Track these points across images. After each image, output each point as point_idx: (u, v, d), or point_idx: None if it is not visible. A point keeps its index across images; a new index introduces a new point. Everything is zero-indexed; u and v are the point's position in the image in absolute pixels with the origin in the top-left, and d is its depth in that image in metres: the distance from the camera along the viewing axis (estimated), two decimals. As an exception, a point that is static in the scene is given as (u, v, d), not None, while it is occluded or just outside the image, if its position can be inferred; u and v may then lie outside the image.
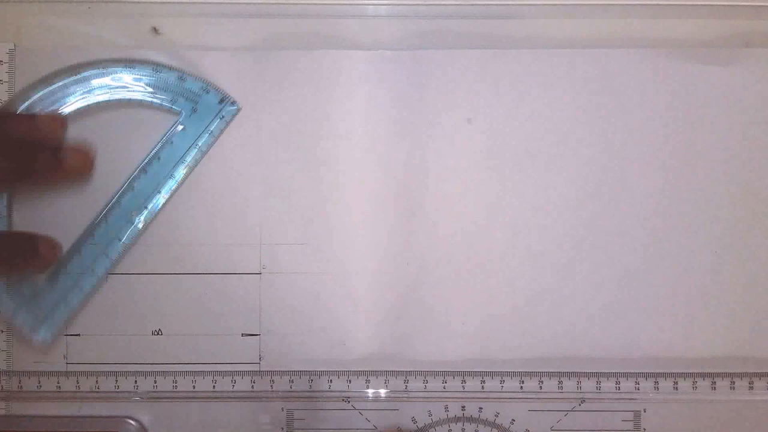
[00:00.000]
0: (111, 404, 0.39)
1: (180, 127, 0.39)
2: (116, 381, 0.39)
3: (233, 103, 0.39)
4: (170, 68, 0.39)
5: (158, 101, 0.39)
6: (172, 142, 0.39)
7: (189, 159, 0.39)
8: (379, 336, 0.39)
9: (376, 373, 0.39)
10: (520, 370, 0.39)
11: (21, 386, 0.39)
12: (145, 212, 0.39)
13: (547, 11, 0.40)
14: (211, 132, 0.39)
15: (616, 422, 0.40)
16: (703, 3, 0.40)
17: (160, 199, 0.39)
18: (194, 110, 0.39)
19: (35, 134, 0.36)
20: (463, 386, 0.39)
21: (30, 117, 0.37)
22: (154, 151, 0.39)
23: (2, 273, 0.38)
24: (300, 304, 0.39)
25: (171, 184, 0.39)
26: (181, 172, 0.39)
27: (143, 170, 0.39)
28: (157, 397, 0.39)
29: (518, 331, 0.39)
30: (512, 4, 0.40)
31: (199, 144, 0.39)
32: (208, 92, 0.39)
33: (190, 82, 0.39)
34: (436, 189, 0.40)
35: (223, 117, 0.39)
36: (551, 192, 0.40)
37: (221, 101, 0.39)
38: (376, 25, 0.40)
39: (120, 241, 0.39)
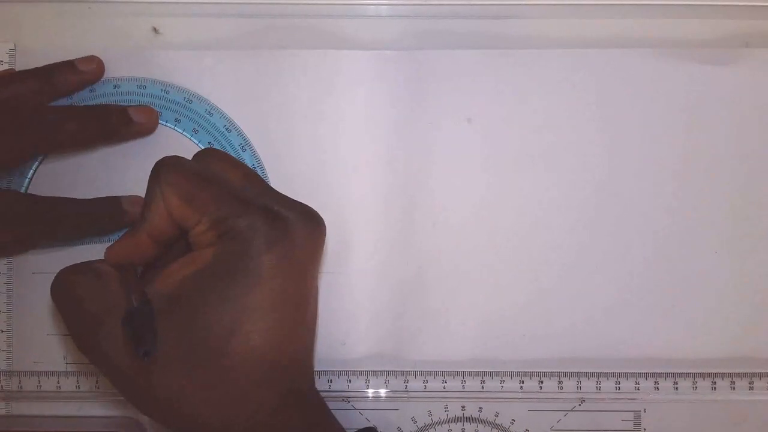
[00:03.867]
0: (111, 404, 0.39)
1: None
2: (116, 381, 0.39)
3: (253, 152, 0.39)
4: (200, 100, 0.39)
5: (180, 130, 0.40)
6: None
7: None
8: (379, 336, 0.39)
9: (376, 373, 0.39)
10: (520, 370, 0.39)
11: (21, 386, 0.39)
12: None
13: (547, 11, 0.40)
14: None
15: (616, 422, 0.40)
16: (703, 3, 0.40)
17: None
18: (210, 145, 0.40)
19: (80, 77, 0.39)
20: (463, 386, 0.39)
21: (68, 62, 0.39)
22: None
23: (91, 236, 0.39)
24: (300, 304, 0.39)
25: None
26: None
27: None
28: (157, 397, 0.39)
29: (518, 331, 0.39)
30: (512, 4, 0.40)
31: None
32: (229, 131, 0.39)
33: (216, 117, 0.40)
34: (436, 189, 0.40)
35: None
36: (551, 192, 0.40)
37: (242, 147, 0.40)
38: (376, 25, 0.40)
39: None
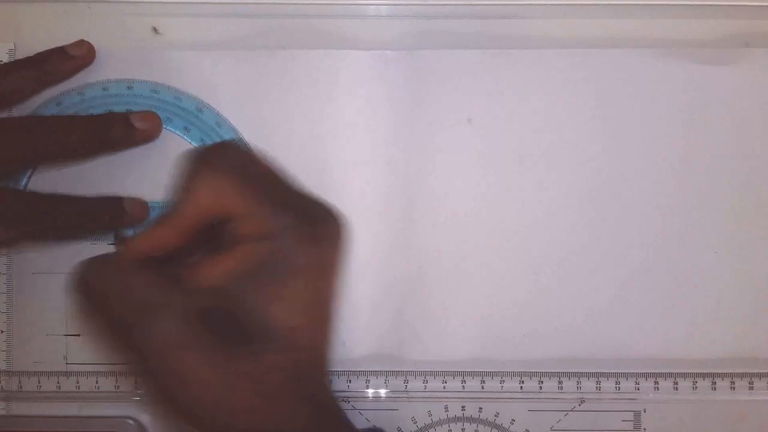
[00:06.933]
0: (111, 404, 0.39)
1: None
2: (116, 381, 0.39)
3: None
4: (210, 110, 0.39)
5: (188, 138, 0.40)
6: None
7: None
8: (379, 336, 0.39)
9: (376, 373, 0.39)
10: (520, 370, 0.39)
11: (21, 386, 0.39)
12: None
13: (547, 11, 0.40)
14: None
15: (616, 422, 0.40)
16: (703, 3, 0.40)
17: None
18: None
19: (73, 63, 0.39)
20: (463, 386, 0.39)
21: (58, 49, 0.39)
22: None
23: (92, 233, 0.39)
24: (300, 304, 0.39)
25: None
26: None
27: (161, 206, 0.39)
28: (157, 397, 0.39)
29: (518, 331, 0.39)
30: (512, 4, 0.40)
31: None
32: (220, 126, 0.39)
33: (225, 129, 0.39)
34: (436, 189, 0.40)
35: None
36: (551, 192, 0.40)
37: None
38: (376, 25, 0.40)
39: None
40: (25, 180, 0.39)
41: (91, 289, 0.31)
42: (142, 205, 0.39)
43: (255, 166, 0.32)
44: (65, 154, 0.38)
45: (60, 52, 0.39)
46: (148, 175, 0.39)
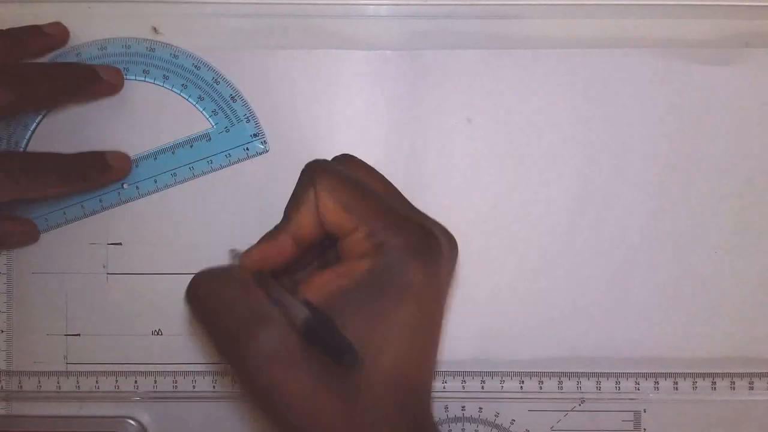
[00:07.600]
0: (111, 404, 0.39)
1: (207, 140, 0.39)
2: (116, 381, 0.39)
3: (264, 142, 0.39)
4: (227, 83, 0.39)
5: (201, 107, 0.40)
6: (191, 146, 0.39)
7: (197, 169, 0.39)
8: (379, 336, 0.39)
9: (376, 373, 0.39)
10: (520, 370, 0.39)
11: (21, 386, 0.39)
12: (135, 190, 0.39)
13: (547, 11, 0.40)
14: (230, 157, 0.39)
15: (616, 422, 0.40)
16: (703, 3, 0.40)
17: (152, 186, 0.39)
18: (227, 130, 0.39)
19: (46, 41, 0.39)
20: (463, 386, 0.39)
21: (34, 26, 0.39)
22: (171, 144, 0.39)
23: (78, 190, 0.39)
24: (300, 304, 0.39)
25: (168, 180, 0.39)
26: (184, 174, 0.39)
27: (154, 155, 0.39)
28: (157, 397, 0.39)
29: (518, 331, 0.39)
30: (512, 4, 0.40)
31: (213, 161, 0.39)
32: (248, 121, 0.39)
33: (238, 104, 0.39)
34: (435, 189, 0.40)
35: (247, 150, 0.39)
36: (551, 192, 0.40)
37: (254, 135, 0.39)
38: (376, 25, 0.40)
39: (100, 200, 0.39)
40: (25, 141, 0.39)
41: (201, 299, 0.30)
42: (124, 158, 0.39)
43: (371, 180, 0.32)
44: (33, 102, 0.38)
45: (36, 29, 0.39)
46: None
